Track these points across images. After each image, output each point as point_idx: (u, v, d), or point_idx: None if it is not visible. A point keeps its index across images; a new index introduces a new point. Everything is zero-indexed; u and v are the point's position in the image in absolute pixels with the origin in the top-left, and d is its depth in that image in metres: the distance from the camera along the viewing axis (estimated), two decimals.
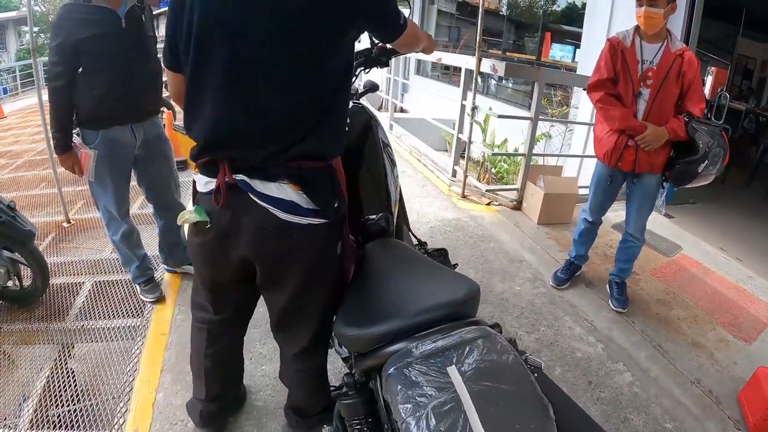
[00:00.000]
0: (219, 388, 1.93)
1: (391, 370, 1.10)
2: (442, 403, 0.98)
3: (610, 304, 3.12)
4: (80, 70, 2.39)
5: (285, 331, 1.69)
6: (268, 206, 1.32)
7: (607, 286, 3.26)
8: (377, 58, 2.07)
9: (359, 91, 2.16)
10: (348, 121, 1.80)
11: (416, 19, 10.53)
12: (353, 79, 2.06)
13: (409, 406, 1.00)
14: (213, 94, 1.29)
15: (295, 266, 1.44)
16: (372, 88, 2.21)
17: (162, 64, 1.51)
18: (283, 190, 1.31)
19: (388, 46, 2.02)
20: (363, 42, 1.77)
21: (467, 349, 1.09)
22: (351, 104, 1.90)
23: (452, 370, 1.04)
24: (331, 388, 1.81)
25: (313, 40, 1.26)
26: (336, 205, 1.42)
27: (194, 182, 1.45)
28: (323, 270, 1.51)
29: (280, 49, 1.24)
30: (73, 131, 2.52)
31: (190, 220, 1.41)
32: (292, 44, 1.24)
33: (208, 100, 1.30)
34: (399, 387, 1.05)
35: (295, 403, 1.87)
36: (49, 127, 2.53)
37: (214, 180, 1.34)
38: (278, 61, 1.25)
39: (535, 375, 1.24)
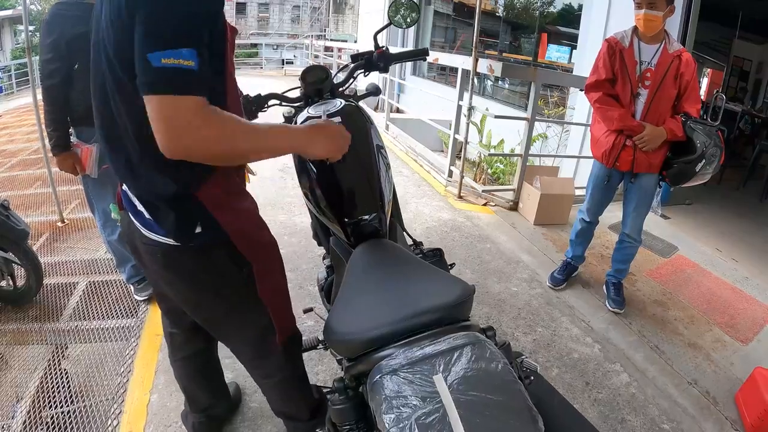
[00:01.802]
0: (202, 402, 1.93)
1: (376, 377, 1.07)
2: (426, 414, 0.95)
3: (607, 305, 3.12)
4: (76, 66, 2.36)
5: (223, 341, 1.64)
6: (135, 220, 1.29)
7: (604, 286, 3.26)
8: (376, 64, 2.05)
9: (358, 94, 2.14)
10: (339, 120, 1.78)
11: None
12: (350, 82, 2.05)
13: (392, 416, 0.97)
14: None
15: (173, 288, 1.40)
16: (374, 92, 2.19)
17: None
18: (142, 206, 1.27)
19: (392, 50, 2.01)
20: (363, 45, 1.74)
21: (455, 357, 1.05)
22: (344, 104, 1.88)
23: (438, 379, 1.01)
24: (326, 390, 1.79)
25: (110, 75, 1.10)
26: (198, 230, 1.26)
27: None
28: (212, 299, 1.41)
29: (101, 78, 1.14)
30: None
31: (114, 217, 1.44)
32: (102, 76, 1.13)
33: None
34: (383, 396, 1.02)
35: (277, 409, 1.83)
36: (44, 127, 2.49)
37: None
38: (104, 90, 1.15)
39: (531, 378, 1.23)
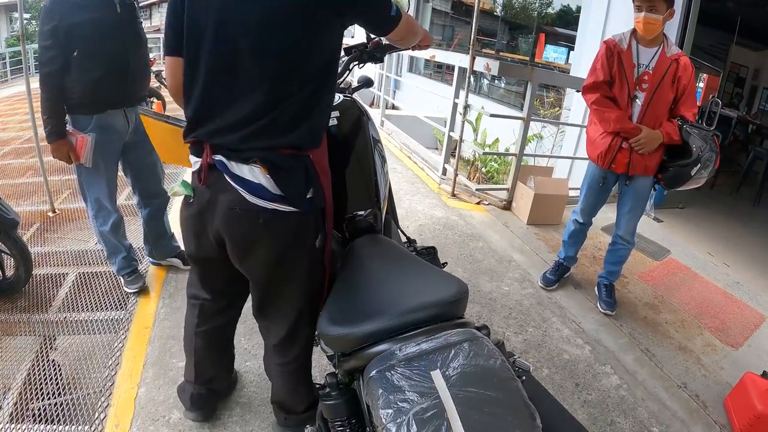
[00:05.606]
0: (209, 373, 1.96)
1: (373, 372, 1.07)
2: (424, 410, 0.95)
3: (599, 307, 3.12)
4: (75, 53, 2.35)
5: (263, 319, 1.73)
6: (238, 187, 1.37)
7: (596, 288, 3.26)
8: (372, 54, 2.04)
9: (352, 86, 2.13)
10: (337, 115, 1.78)
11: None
12: (346, 74, 2.05)
13: (390, 411, 0.97)
14: (203, 75, 1.35)
15: (261, 252, 1.48)
16: (366, 83, 2.19)
17: (162, 51, 1.51)
18: (254, 173, 1.36)
19: (384, 41, 2.00)
20: (357, 36, 1.74)
21: (452, 353, 1.05)
22: (342, 98, 1.88)
23: (436, 375, 1.01)
24: (317, 386, 1.79)
25: (296, 32, 1.29)
26: (310, 195, 1.43)
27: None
28: (295, 261, 1.53)
29: (262, 39, 1.29)
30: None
31: (178, 193, 1.51)
32: (273, 34, 1.28)
33: (199, 80, 1.36)
34: (380, 391, 1.02)
35: (279, 398, 1.88)
36: (40, 114, 2.46)
37: (200, 160, 1.42)
38: (259, 50, 1.30)
39: (523, 378, 1.22)
